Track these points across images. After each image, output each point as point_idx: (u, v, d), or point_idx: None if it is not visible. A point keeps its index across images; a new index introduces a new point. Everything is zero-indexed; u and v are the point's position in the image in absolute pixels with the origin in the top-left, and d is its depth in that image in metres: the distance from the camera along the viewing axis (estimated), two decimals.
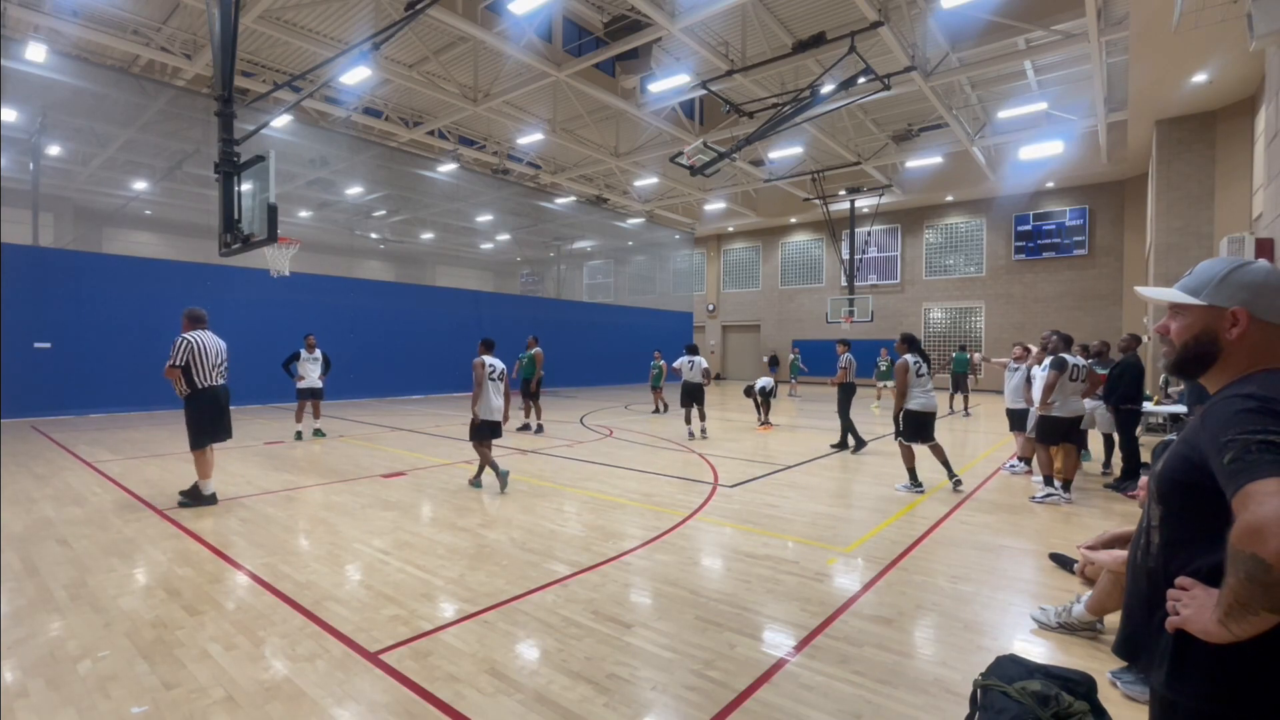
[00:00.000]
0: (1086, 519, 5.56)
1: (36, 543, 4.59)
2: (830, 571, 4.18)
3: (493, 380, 6.44)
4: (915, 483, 6.48)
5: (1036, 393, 6.55)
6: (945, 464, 6.51)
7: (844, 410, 8.99)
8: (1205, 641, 1.04)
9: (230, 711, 2.51)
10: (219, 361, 5.84)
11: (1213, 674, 1.08)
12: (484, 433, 6.45)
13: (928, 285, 23.80)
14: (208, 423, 5.74)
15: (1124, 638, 1.29)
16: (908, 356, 6.45)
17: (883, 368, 16.13)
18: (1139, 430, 7.13)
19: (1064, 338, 6.58)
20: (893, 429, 7.08)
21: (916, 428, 6.42)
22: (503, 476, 6.35)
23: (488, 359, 6.48)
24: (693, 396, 10.50)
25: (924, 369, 6.45)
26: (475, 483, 6.65)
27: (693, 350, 10.99)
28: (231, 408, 6.10)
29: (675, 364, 11.21)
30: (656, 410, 14.27)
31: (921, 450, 6.60)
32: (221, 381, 5.88)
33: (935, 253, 23.74)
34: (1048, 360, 6.41)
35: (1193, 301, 1.24)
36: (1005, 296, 22.01)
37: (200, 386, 5.68)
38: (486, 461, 6.50)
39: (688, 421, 10.64)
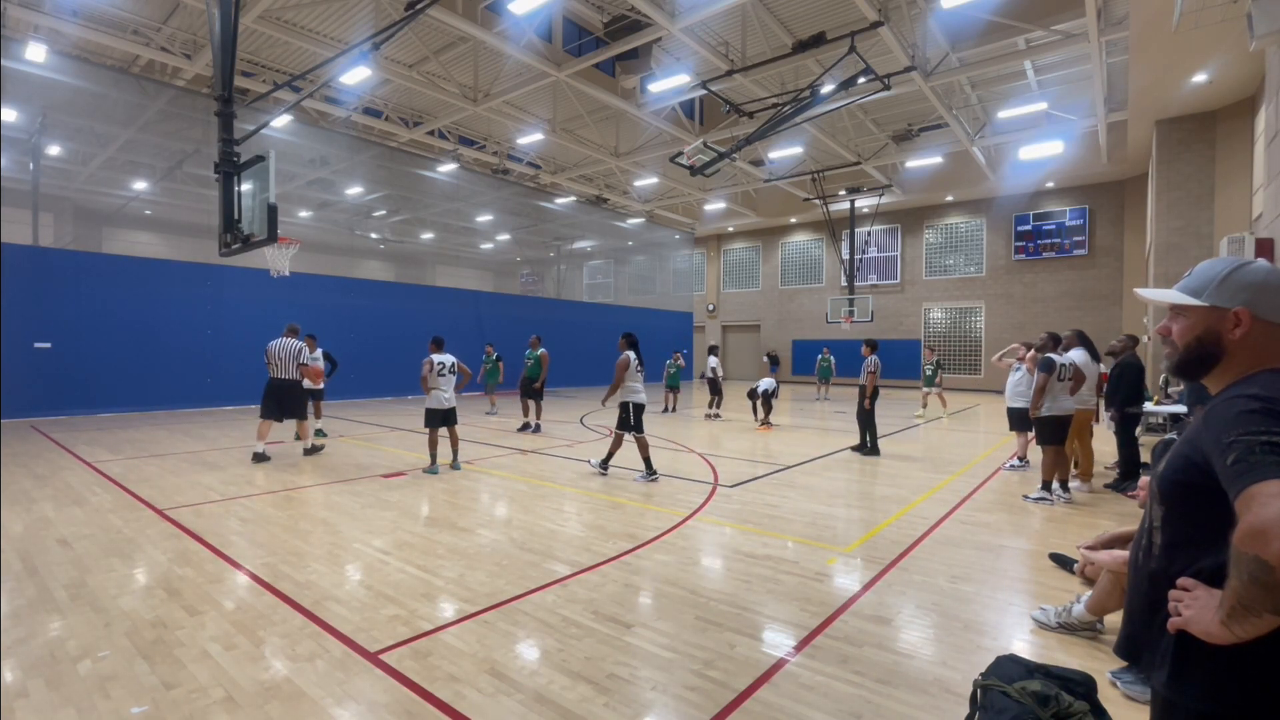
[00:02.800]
0: (1086, 519, 5.57)
1: (36, 543, 4.58)
2: (830, 571, 4.18)
3: (442, 375, 7.26)
4: (650, 471, 6.96)
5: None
6: (647, 458, 6.98)
7: (864, 412, 8.97)
8: (1207, 643, 1.04)
9: (230, 711, 2.51)
10: (283, 360, 7.86)
11: (1214, 675, 1.07)
12: (434, 420, 7.24)
13: (928, 285, 23.80)
14: (263, 402, 7.88)
15: (1125, 638, 1.29)
16: (630, 353, 7.03)
17: (929, 372, 14.53)
18: (1139, 430, 7.11)
19: (1054, 337, 6.59)
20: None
21: (636, 419, 7.00)
22: (436, 469, 7.22)
23: (436, 357, 7.27)
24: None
25: (640, 367, 7.13)
26: (431, 469, 7.24)
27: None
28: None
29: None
30: (666, 410, 14.35)
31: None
32: (285, 376, 7.88)
33: (935, 253, 23.73)
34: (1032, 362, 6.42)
35: (1194, 303, 1.24)
36: (1005, 296, 22.01)
37: (270, 376, 7.90)
38: (433, 446, 7.24)
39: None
